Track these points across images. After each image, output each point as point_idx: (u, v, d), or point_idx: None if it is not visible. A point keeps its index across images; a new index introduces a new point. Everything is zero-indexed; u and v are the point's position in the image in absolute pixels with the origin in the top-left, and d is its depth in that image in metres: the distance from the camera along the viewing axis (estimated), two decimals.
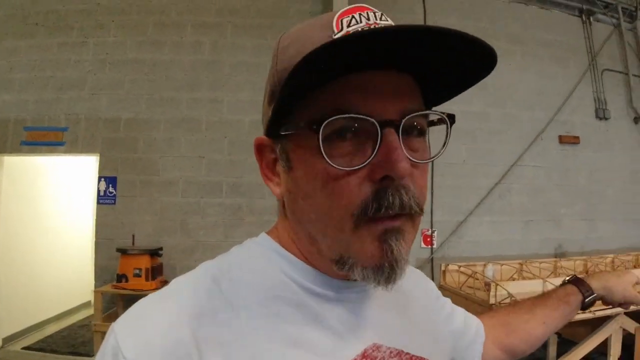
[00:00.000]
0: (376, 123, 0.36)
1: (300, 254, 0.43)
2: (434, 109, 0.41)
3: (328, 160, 0.36)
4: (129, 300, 3.02)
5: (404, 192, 0.37)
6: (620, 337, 2.56)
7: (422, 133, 0.40)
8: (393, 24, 0.39)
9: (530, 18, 4.02)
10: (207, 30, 3.47)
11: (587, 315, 2.36)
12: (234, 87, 3.39)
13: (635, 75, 4.44)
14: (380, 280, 0.38)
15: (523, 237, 3.70)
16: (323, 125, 0.36)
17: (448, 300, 0.64)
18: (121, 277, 2.91)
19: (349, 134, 0.37)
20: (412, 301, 0.53)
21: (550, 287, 2.82)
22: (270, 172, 0.45)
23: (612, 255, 3.66)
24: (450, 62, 0.38)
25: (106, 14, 3.44)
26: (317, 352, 0.39)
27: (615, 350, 2.53)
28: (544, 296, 0.73)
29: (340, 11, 0.39)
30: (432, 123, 0.42)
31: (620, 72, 4.38)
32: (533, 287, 2.72)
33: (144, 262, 2.94)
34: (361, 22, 0.38)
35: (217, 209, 3.26)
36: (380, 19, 0.39)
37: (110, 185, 3.33)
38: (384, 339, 0.44)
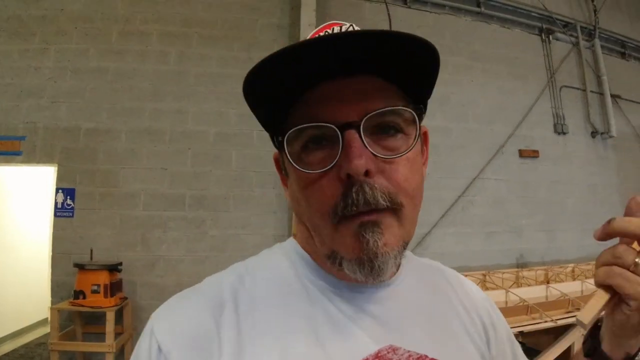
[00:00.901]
0: (335, 127, 0.39)
1: (313, 252, 0.47)
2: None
3: (296, 166, 0.41)
4: (88, 317, 2.91)
5: (367, 188, 0.38)
6: None
7: (398, 130, 0.41)
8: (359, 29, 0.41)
9: (491, 36, 4.17)
10: (173, 40, 3.42)
11: (549, 324, 2.42)
12: (200, 98, 3.34)
13: (592, 92, 4.66)
14: (365, 273, 0.40)
15: (486, 248, 3.78)
16: (286, 137, 0.41)
17: (507, 340, 0.56)
18: (79, 294, 2.79)
19: (324, 141, 0.40)
20: (452, 314, 0.51)
21: (512, 297, 2.89)
22: (286, 181, 0.49)
23: (572, 265, 3.79)
24: (401, 59, 0.39)
25: (69, 20, 3.34)
26: (326, 349, 0.41)
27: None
28: None
29: (313, 32, 0.43)
30: (420, 119, 0.43)
31: (578, 89, 4.59)
32: (496, 297, 2.77)
33: (103, 278, 2.82)
34: None
35: (179, 222, 3.19)
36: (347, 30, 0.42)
37: (69, 197, 3.20)
38: (404, 342, 0.44)
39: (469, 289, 0.56)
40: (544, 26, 4.48)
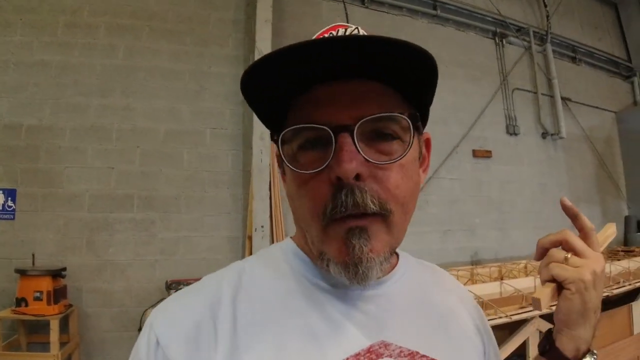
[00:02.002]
0: (329, 129, 0.39)
1: (309, 251, 0.47)
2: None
3: (289, 165, 0.42)
4: (32, 326, 2.73)
5: (357, 191, 0.39)
6: (538, 338, 2.71)
7: (395, 137, 0.42)
8: (365, 33, 0.42)
9: (447, 38, 4.26)
10: (122, 32, 3.26)
11: (504, 319, 2.48)
12: (149, 93, 3.20)
13: (543, 95, 4.86)
14: (350, 277, 0.41)
15: (441, 246, 3.86)
16: (281, 135, 0.41)
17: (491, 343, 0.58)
18: (20, 301, 2.61)
19: (318, 143, 0.41)
20: (448, 314, 0.53)
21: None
22: (285, 178, 0.49)
23: (524, 261, 3.93)
24: (394, 65, 0.40)
25: (14, 11, 3.11)
26: (321, 343, 0.42)
27: (533, 352, 2.64)
28: None
29: (320, 32, 0.44)
30: (416, 126, 0.43)
31: (529, 91, 4.78)
32: None
33: (45, 284, 2.65)
34: None
35: (127, 224, 3.03)
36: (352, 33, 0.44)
37: (9, 198, 2.99)
38: (396, 339, 0.45)
39: (463, 294, 0.60)
40: (498, 30, 4.63)
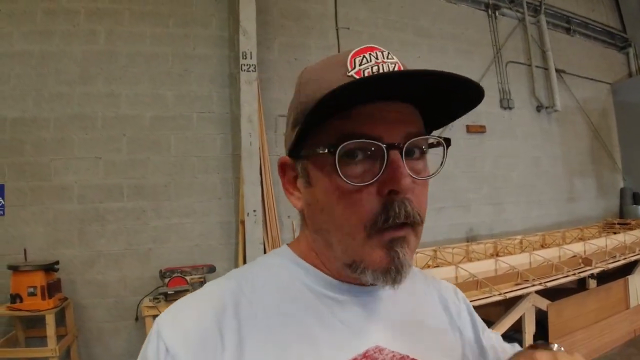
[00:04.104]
0: (383, 146, 0.42)
1: (318, 259, 0.50)
2: (434, 132, 0.49)
3: (343, 178, 0.43)
4: (28, 321, 2.72)
5: (407, 203, 0.43)
6: (534, 314, 2.72)
7: (422, 154, 0.46)
8: (397, 60, 0.46)
9: (438, 12, 4.15)
10: (102, 17, 3.15)
11: (499, 297, 2.49)
12: (132, 79, 3.11)
13: (537, 67, 4.79)
14: (389, 281, 0.44)
15: (435, 223, 3.84)
16: (339, 148, 0.42)
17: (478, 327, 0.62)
18: (15, 297, 2.59)
19: (361, 156, 0.43)
20: (431, 311, 0.57)
21: (462, 272, 2.95)
22: (292, 187, 0.51)
23: (520, 237, 3.93)
24: (446, 95, 0.44)
25: None
26: (319, 350, 0.44)
27: (529, 327, 2.70)
28: None
29: (353, 51, 0.46)
30: (432, 145, 0.48)
31: (523, 64, 4.70)
32: (446, 273, 2.82)
33: (39, 279, 2.62)
34: (370, 61, 0.45)
35: (118, 214, 2.99)
36: (387, 57, 0.46)
37: None
38: (389, 343, 0.48)
39: (444, 287, 0.63)
40: (490, 2, 4.52)
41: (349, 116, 0.43)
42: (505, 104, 4.39)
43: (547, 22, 4.95)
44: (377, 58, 0.46)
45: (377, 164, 0.43)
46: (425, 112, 0.47)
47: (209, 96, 3.25)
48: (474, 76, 4.38)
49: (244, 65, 3.04)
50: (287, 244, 0.54)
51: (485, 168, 4.18)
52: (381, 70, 0.45)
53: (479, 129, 4.14)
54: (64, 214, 2.95)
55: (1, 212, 2.93)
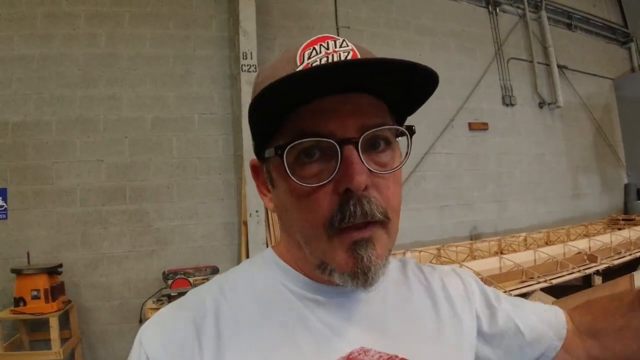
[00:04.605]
0: (334, 142, 0.40)
1: (294, 261, 0.49)
2: (409, 117, 0.47)
3: (295, 180, 0.41)
4: (33, 324, 2.72)
5: (365, 202, 0.40)
6: None
7: (388, 145, 0.44)
8: (351, 47, 0.43)
9: (439, 9, 4.14)
10: (102, 20, 3.15)
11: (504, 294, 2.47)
12: (134, 81, 3.11)
13: (539, 63, 4.76)
14: (358, 284, 0.42)
15: (439, 222, 3.83)
16: (287, 150, 0.41)
17: (494, 297, 0.59)
18: (19, 301, 2.59)
19: (317, 154, 0.41)
20: (423, 305, 0.53)
21: (466, 270, 2.94)
22: (265, 188, 0.50)
23: (524, 234, 3.91)
24: (399, 82, 0.41)
25: None
26: (302, 352, 0.43)
27: None
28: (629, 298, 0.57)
29: (303, 45, 0.44)
30: (402, 133, 0.45)
31: (525, 60, 4.68)
32: None
33: (42, 283, 2.63)
34: (320, 52, 0.43)
35: (120, 217, 2.99)
36: (340, 46, 0.43)
37: (0, 198, 2.96)
38: (376, 344, 0.46)
39: (444, 274, 0.59)
40: None
41: (301, 114, 0.41)
42: (508, 100, 4.37)
43: (548, 18, 4.92)
44: (327, 48, 0.43)
45: (333, 161, 0.41)
46: (393, 101, 0.45)
47: (210, 97, 3.25)
48: (476, 73, 4.38)
49: (245, 65, 3.04)
50: (271, 246, 0.54)
51: (488, 166, 4.16)
52: (330, 61, 0.42)
53: (482, 127, 4.12)
54: (66, 217, 2.96)
55: (4, 216, 2.94)
